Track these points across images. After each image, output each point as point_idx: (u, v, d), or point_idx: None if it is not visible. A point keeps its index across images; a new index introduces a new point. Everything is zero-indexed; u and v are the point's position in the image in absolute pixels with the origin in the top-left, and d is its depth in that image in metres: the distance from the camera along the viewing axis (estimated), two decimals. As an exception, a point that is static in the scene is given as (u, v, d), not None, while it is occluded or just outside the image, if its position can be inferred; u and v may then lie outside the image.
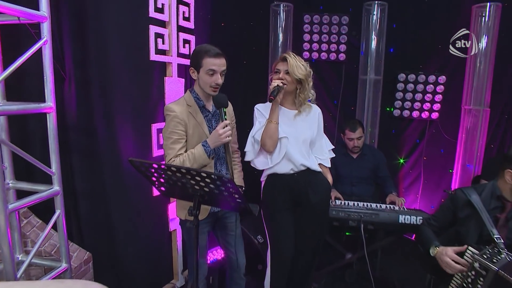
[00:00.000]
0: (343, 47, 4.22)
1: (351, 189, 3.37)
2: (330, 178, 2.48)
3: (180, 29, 2.75)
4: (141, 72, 2.57)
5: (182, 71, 2.86)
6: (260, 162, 2.39)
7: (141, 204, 2.74)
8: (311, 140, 2.37)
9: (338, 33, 4.18)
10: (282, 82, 2.25)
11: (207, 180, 1.54)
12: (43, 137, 2.28)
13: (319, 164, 2.43)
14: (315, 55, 4.28)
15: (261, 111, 2.38)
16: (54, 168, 2.17)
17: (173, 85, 2.67)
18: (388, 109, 4.34)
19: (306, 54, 4.30)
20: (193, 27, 2.85)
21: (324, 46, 4.24)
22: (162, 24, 2.61)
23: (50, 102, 2.12)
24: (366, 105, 4.16)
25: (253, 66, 4.16)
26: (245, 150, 2.37)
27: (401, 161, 4.48)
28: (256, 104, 2.45)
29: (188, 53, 2.84)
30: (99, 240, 2.64)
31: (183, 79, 2.82)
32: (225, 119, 2.01)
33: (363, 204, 2.97)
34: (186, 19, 2.78)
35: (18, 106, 1.99)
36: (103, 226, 2.66)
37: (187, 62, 2.85)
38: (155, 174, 1.67)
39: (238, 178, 2.39)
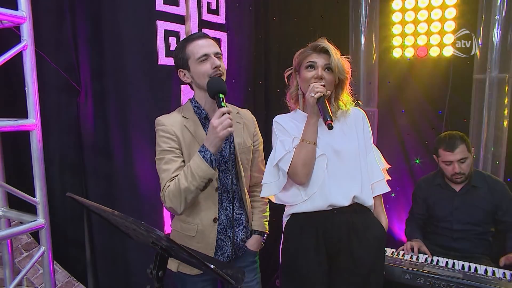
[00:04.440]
0: (449, 38, 3.13)
1: (451, 241, 2.25)
2: (385, 220, 1.67)
3: (204, 24, 2.20)
4: (157, 80, 2.10)
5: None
6: (289, 196, 1.65)
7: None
8: (362, 155, 1.64)
9: (442, 19, 3.12)
10: (322, 85, 1.55)
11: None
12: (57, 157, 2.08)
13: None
14: (410, 51, 3.29)
15: (283, 125, 1.67)
16: (39, 196, 1.81)
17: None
18: (522, 120, 3.06)
19: (398, 50, 3.31)
20: (224, 21, 2.26)
21: (422, 39, 3.24)
22: (178, 19, 2.07)
23: (33, 118, 1.76)
24: (485, 115, 2.98)
25: None
26: (263, 182, 1.67)
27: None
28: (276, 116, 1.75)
29: (216, 54, 2.24)
30: (114, 278, 2.21)
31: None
32: (223, 107, 1.46)
33: (462, 266, 1.90)
34: (213, 11, 2.21)
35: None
36: (119, 263, 2.22)
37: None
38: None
39: (258, 221, 1.74)
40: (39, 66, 2.02)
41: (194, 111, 1.60)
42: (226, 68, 2.36)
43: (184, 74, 1.57)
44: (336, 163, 1.58)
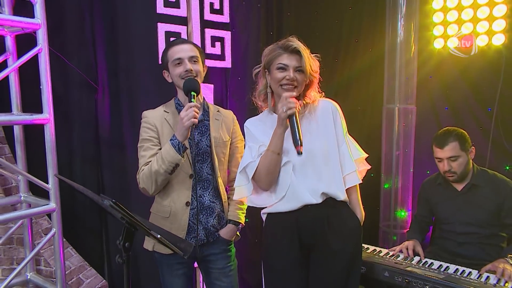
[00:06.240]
0: (500, 24, 2.86)
1: (457, 246, 2.13)
2: (360, 212, 1.72)
3: (207, 24, 2.36)
4: (162, 80, 2.31)
5: (213, 75, 2.44)
6: (261, 199, 1.74)
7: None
8: (331, 149, 1.69)
9: (491, 2, 2.86)
10: (296, 98, 1.60)
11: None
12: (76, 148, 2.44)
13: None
14: (453, 41, 3.08)
15: (252, 131, 1.74)
16: (51, 183, 2.13)
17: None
18: None
19: (440, 41, 3.14)
20: (228, 20, 2.41)
21: (468, 27, 3.00)
22: (180, 20, 2.28)
23: (46, 113, 2.09)
24: (541, 113, 2.71)
25: (353, 65, 3.30)
26: (235, 185, 1.77)
27: None
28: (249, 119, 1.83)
29: (219, 52, 2.41)
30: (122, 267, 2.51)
31: (212, 85, 2.40)
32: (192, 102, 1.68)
33: (455, 270, 1.83)
34: (217, 11, 2.37)
35: (7, 117, 2.03)
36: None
37: (218, 64, 2.43)
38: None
39: (233, 212, 1.90)
40: (62, 66, 2.39)
41: (175, 107, 1.84)
42: (230, 66, 2.54)
43: (168, 75, 1.82)
44: (304, 163, 1.64)
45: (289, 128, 1.55)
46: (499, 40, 2.88)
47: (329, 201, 1.65)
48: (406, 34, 3.21)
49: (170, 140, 1.67)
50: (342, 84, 3.22)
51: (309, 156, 1.63)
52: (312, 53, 1.68)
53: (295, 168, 1.65)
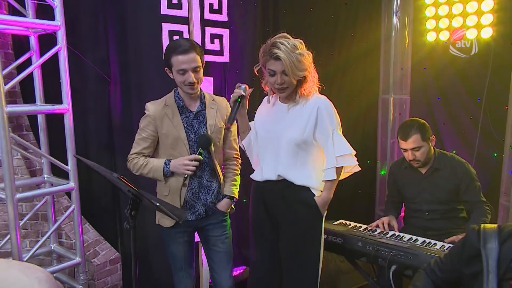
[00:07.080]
0: (488, 18, 3.04)
1: (425, 222, 2.42)
2: (326, 191, 1.93)
3: (207, 23, 2.63)
4: (166, 75, 2.61)
5: (212, 69, 2.72)
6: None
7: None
8: (299, 142, 1.92)
9: (479, -2, 3.04)
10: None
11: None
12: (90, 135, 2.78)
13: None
14: (444, 34, 3.26)
15: (258, 111, 2.16)
16: (70, 165, 2.44)
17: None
18: None
19: (432, 34, 3.33)
20: (226, 19, 2.68)
21: (458, 20, 3.19)
22: (182, 20, 2.56)
23: (66, 104, 2.39)
24: (525, 103, 2.88)
25: (349, 58, 3.50)
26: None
27: None
28: None
29: (219, 48, 2.68)
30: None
31: (211, 78, 2.68)
32: (200, 155, 1.99)
33: (423, 242, 2.09)
34: (216, 11, 2.63)
35: (32, 107, 2.36)
36: (139, 231, 2.83)
37: (217, 59, 2.71)
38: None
39: (228, 188, 2.18)
40: (79, 62, 2.69)
41: (174, 100, 2.07)
42: (228, 61, 2.82)
43: (169, 72, 2.02)
44: (272, 146, 1.97)
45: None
46: (487, 33, 3.05)
47: (286, 181, 1.96)
48: (400, 27, 3.41)
49: (165, 163, 2.01)
50: (338, 76, 3.43)
51: (278, 142, 1.95)
52: (307, 49, 1.84)
53: (265, 148, 2.03)
